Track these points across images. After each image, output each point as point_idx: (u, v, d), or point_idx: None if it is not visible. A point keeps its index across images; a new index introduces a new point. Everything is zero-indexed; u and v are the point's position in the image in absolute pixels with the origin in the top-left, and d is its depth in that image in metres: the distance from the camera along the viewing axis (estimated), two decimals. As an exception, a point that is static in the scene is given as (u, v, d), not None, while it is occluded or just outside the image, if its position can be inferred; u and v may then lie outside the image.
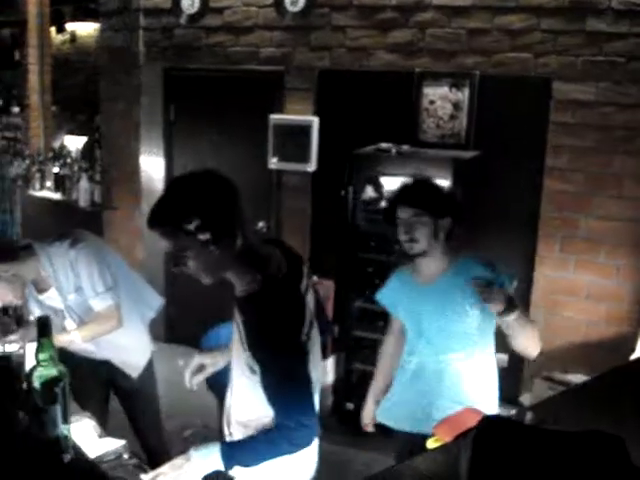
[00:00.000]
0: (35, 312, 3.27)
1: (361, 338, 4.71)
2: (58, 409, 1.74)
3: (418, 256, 2.78)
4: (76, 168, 6.40)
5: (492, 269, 2.75)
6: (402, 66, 4.71)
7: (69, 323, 3.26)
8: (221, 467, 2.07)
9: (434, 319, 2.81)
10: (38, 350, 1.79)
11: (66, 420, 1.77)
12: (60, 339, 3.23)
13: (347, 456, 4.46)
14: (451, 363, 2.82)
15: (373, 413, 3.26)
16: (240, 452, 2.11)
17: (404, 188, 2.85)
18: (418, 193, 2.79)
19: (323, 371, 4.84)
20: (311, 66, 5.01)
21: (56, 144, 7.51)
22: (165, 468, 2.05)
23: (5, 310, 3.24)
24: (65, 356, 3.18)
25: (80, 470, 1.78)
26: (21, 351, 2.16)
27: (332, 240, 4.91)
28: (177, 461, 2.06)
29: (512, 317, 2.60)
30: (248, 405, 2.23)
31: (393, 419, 3.08)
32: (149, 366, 3.51)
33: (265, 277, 2.11)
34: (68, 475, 1.74)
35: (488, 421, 1.30)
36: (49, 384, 1.75)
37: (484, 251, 4.62)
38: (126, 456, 2.33)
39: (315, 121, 5.01)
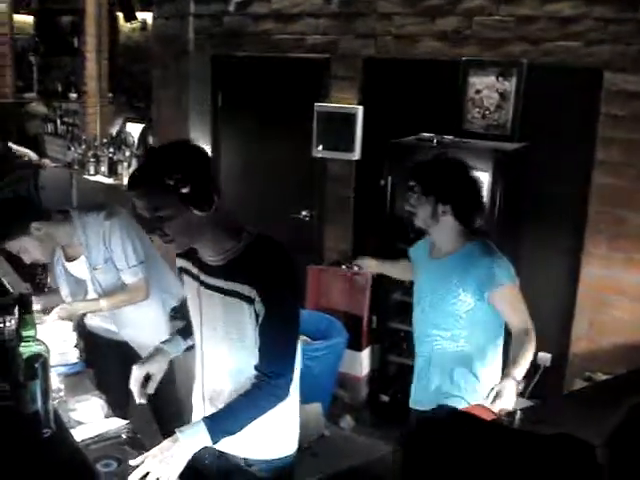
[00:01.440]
0: (60, 280, 3.33)
1: (398, 330, 4.64)
2: (38, 384, 1.76)
3: (422, 230, 2.87)
4: (128, 153, 6.50)
5: (493, 258, 2.74)
6: (448, 54, 4.60)
7: (91, 295, 3.31)
8: (209, 442, 2.08)
9: (429, 292, 2.87)
10: (21, 327, 1.80)
11: (46, 396, 1.79)
12: (87, 305, 3.30)
13: (380, 449, 4.41)
14: (438, 340, 2.84)
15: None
16: (225, 421, 2.13)
17: (418, 164, 2.90)
18: (425, 173, 2.80)
19: (358, 363, 4.81)
20: (356, 54, 4.95)
21: (115, 130, 7.65)
22: (154, 451, 2.05)
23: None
24: (86, 336, 3.27)
25: (59, 446, 1.79)
26: (14, 327, 2.18)
27: (373, 230, 4.85)
28: (165, 443, 2.07)
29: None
30: (235, 373, 2.26)
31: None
32: None
33: (248, 239, 2.18)
34: (45, 450, 1.75)
35: (421, 421, 1.24)
36: (30, 360, 1.76)
37: (527, 247, 4.54)
38: (124, 436, 2.34)
39: (360, 110, 4.95)
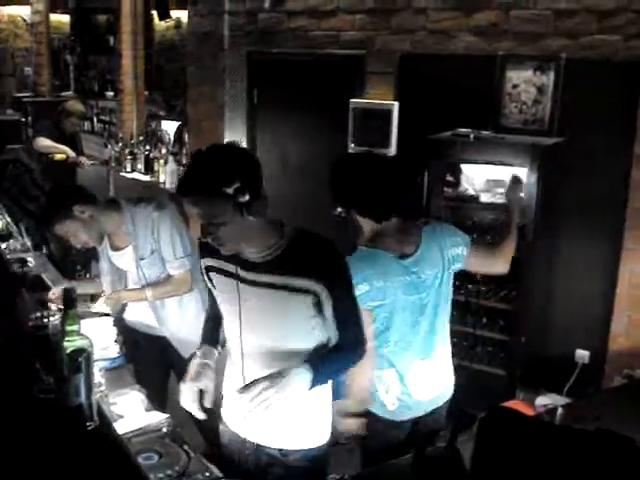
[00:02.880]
0: (103, 270, 3.37)
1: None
2: (81, 378, 1.78)
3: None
4: (164, 151, 6.57)
5: None
6: (485, 49, 4.56)
7: (131, 287, 3.35)
8: (309, 381, 2.14)
9: None
10: (65, 322, 1.83)
11: (90, 390, 1.82)
12: (132, 295, 3.34)
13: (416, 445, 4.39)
14: None
15: None
16: (323, 370, 2.20)
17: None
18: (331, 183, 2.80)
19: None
20: (392, 50, 4.93)
21: (150, 128, 7.73)
22: (264, 384, 2.10)
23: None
24: (124, 331, 3.31)
25: (102, 439, 1.81)
26: (58, 321, 2.23)
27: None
28: (272, 375, 2.12)
29: None
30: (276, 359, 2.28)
31: None
32: None
33: (291, 234, 2.22)
34: (89, 443, 1.78)
35: (492, 412, 1.24)
36: (74, 354, 1.79)
37: (566, 243, 4.48)
38: (165, 430, 2.37)
39: (395, 105, 4.93)
